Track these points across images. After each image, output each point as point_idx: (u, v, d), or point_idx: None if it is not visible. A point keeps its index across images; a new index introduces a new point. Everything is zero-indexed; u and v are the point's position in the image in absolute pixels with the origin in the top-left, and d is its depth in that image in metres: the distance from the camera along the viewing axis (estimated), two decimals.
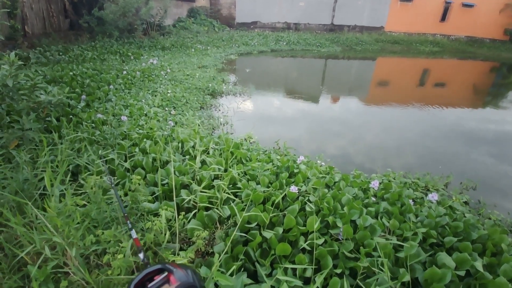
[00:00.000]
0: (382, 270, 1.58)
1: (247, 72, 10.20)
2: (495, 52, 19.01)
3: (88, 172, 2.10)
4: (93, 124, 3.45)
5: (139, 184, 1.66)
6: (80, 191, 1.85)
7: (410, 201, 2.41)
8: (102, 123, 3.47)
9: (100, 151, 2.39)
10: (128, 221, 1.13)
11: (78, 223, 1.45)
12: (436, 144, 4.93)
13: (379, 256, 1.68)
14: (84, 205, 1.71)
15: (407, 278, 1.59)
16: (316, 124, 5.76)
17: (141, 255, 0.82)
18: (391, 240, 1.87)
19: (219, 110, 5.68)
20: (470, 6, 19.89)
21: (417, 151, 4.65)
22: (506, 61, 16.61)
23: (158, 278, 0.59)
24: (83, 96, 4.36)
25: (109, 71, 6.28)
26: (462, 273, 1.67)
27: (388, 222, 2.06)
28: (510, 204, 3.36)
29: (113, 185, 1.37)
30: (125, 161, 2.47)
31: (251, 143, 4.04)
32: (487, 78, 12.57)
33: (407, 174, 3.48)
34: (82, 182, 1.81)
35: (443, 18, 20.51)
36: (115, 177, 2.20)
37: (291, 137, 4.73)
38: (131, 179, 1.67)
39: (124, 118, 3.53)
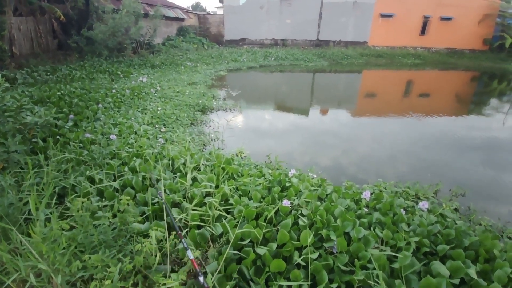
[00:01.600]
0: (378, 283, 1.57)
1: (236, 91, 10.32)
2: (475, 62, 19.88)
3: (75, 194, 2.05)
4: (81, 144, 3.39)
5: (128, 205, 1.62)
6: (67, 214, 1.79)
7: (402, 210, 2.42)
8: (90, 143, 3.41)
9: (87, 172, 2.34)
10: (183, 240, 1.08)
11: (63, 248, 1.40)
12: (425, 153, 5.04)
13: (374, 268, 1.66)
14: (71, 229, 1.66)
15: None
16: (307, 136, 5.81)
17: (201, 279, 0.77)
18: (385, 251, 1.86)
19: (210, 126, 5.68)
20: (449, 19, 20.93)
21: (406, 160, 4.73)
22: (486, 70, 17.36)
23: None
24: (71, 116, 4.31)
25: (98, 90, 6.26)
26: (456, 281, 1.67)
27: (381, 233, 2.06)
28: (500, 209, 3.42)
29: (163, 200, 1.35)
30: (114, 180, 2.42)
31: (242, 158, 4.04)
32: (469, 87, 13.07)
33: (397, 184, 3.52)
34: (68, 204, 1.76)
35: (423, 31, 21.47)
36: (104, 198, 2.14)
37: (283, 150, 4.75)
38: (120, 200, 1.64)
39: (113, 137, 3.49)
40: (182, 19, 19.33)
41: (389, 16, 20.37)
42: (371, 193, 2.81)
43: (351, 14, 20.09)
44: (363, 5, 19.89)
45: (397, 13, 20.34)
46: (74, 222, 1.69)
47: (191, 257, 0.94)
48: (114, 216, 1.69)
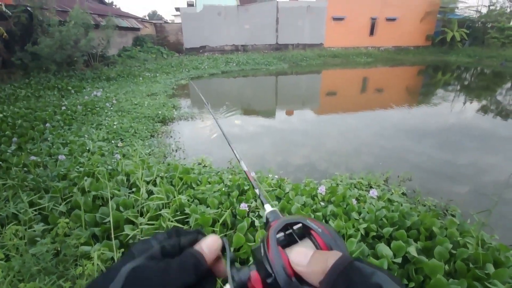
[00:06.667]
0: None
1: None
2: (420, 57, 21.73)
3: (14, 222, 1.90)
4: (25, 169, 3.16)
5: (68, 228, 1.54)
6: (3, 244, 1.65)
7: (354, 200, 2.58)
8: (35, 166, 3.18)
9: (28, 198, 2.18)
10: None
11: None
12: (387, 142, 5.38)
13: None
14: (9, 258, 1.54)
15: None
16: (277, 138, 5.82)
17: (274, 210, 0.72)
18: None
19: (171, 137, 5.56)
20: (393, 19, 22.69)
21: (371, 151, 4.92)
22: (430, 63, 19.06)
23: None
24: (14, 139, 3.99)
25: (45, 108, 5.85)
26: (398, 260, 1.81)
27: (334, 223, 2.17)
28: (449, 188, 3.72)
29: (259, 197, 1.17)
30: (61, 204, 2.28)
31: (204, 166, 4.01)
32: (417, 80, 14.23)
33: (352, 175, 3.72)
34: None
35: (372, 32, 23.04)
36: (48, 225, 2.01)
37: (252, 154, 4.77)
38: (58, 223, 1.55)
39: (61, 157, 3.28)
40: (138, 29, 18.76)
41: (340, 19, 21.58)
42: (327, 188, 2.95)
43: (306, 17, 20.96)
44: (316, 9, 20.87)
45: (347, 15, 21.62)
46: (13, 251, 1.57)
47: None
48: (54, 242, 1.59)
